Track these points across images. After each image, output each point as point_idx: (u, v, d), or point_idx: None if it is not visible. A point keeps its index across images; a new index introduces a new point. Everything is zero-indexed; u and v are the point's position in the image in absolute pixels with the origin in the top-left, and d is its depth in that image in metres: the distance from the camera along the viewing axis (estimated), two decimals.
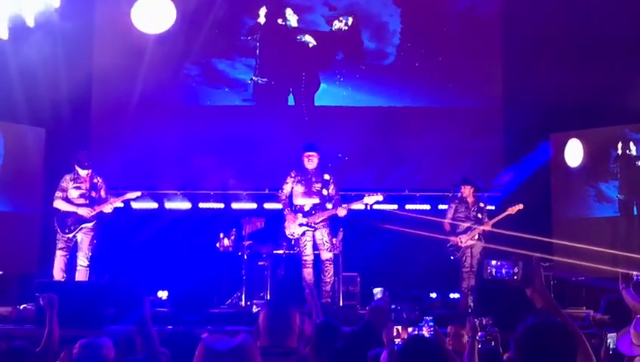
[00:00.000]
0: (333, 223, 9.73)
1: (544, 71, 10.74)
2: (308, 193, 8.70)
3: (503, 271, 3.08)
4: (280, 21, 11.21)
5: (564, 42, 10.66)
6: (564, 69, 10.53)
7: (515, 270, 3.05)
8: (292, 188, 8.75)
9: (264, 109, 11.48)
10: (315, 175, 8.75)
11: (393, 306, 7.82)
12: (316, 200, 8.68)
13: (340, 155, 11.25)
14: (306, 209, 8.68)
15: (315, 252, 8.80)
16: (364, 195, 8.84)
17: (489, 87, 11.51)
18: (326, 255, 8.72)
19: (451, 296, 10.30)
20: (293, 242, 8.94)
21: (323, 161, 8.97)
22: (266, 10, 11.17)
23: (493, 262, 3.07)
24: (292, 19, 11.18)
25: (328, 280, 8.68)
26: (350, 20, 11.20)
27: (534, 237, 8.30)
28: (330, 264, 8.71)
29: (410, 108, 11.54)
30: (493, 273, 3.07)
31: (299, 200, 8.74)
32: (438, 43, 11.50)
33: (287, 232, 8.77)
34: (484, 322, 5.43)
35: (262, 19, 11.21)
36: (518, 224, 9.34)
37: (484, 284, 8.03)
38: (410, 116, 11.47)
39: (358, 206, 8.98)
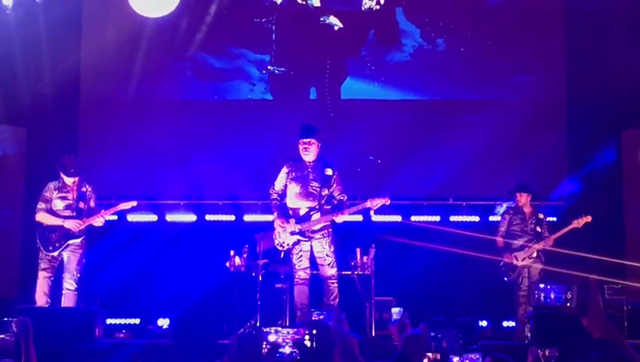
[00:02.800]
0: (364, 238, 9.69)
1: (615, 56, 10.61)
2: (304, 193, 8.29)
3: (552, 295, 3.00)
4: (300, 0, 11.18)
5: (638, 21, 10.52)
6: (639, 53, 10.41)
7: (569, 295, 2.97)
8: (286, 185, 8.38)
9: (282, 104, 11.47)
10: (314, 170, 8.34)
11: (432, 334, 7.82)
12: (314, 203, 8.28)
13: (371, 158, 11.20)
14: (302, 213, 8.28)
15: (314, 272, 8.42)
16: (367, 200, 8.37)
17: (549, 75, 11.38)
18: (329, 271, 8.24)
19: (505, 324, 10.21)
20: (282, 255, 8.48)
21: (326, 151, 8.57)
22: None
23: (542, 286, 2.99)
24: None
25: (332, 301, 8.25)
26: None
27: (603, 258, 8.19)
28: (333, 283, 8.26)
29: (455, 102, 11.46)
30: (542, 298, 2.99)
31: (293, 202, 8.34)
32: (487, 24, 11.41)
33: (275, 242, 8.39)
34: (547, 354, 5.36)
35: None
36: (585, 239, 9.23)
37: (543, 311, 7.95)
38: (454, 111, 11.39)
39: (357, 213, 8.64)
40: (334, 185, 8.36)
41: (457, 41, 11.39)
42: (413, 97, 11.46)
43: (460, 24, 11.40)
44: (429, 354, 6.61)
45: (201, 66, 11.58)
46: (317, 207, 8.27)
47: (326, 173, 8.34)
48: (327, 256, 8.28)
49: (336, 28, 11.18)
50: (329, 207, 8.32)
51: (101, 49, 11.19)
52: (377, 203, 8.33)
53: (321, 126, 10.87)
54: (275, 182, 8.44)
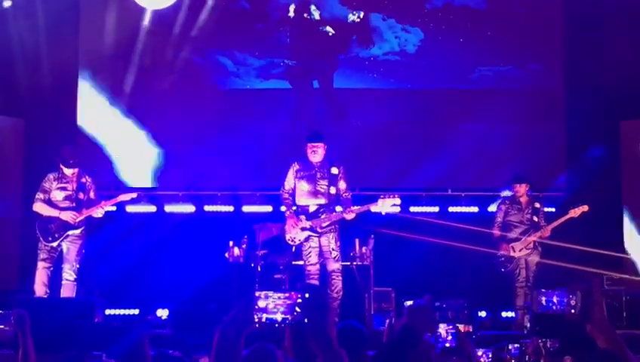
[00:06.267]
0: (364, 229, 9.69)
1: (614, 46, 10.60)
2: (313, 192, 8.62)
3: (555, 299, 2.98)
4: (305, 15, 11.73)
5: (637, 9, 10.50)
6: (638, 42, 10.39)
7: (572, 301, 2.95)
8: (295, 183, 8.67)
9: (281, 95, 11.53)
10: (321, 169, 8.64)
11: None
12: (322, 201, 8.58)
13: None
14: (311, 210, 8.58)
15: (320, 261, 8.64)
16: (379, 197, 8.60)
17: (548, 65, 11.39)
18: (333, 265, 8.54)
19: (504, 314, 10.22)
20: (294, 249, 8.82)
21: (331, 151, 8.80)
22: (294, 7, 11.69)
23: (544, 291, 2.98)
24: (315, 13, 11.78)
25: (336, 295, 8.48)
26: (362, 14, 11.68)
27: (601, 251, 8.18)
28: (338, 276, 8.53)
29: (453, 91, 11.45)
30: (543, 302, 2.98)
31: (302, 200, 8.65)
32: (486, 13, 11.42)
33: (286, 237, 8.66)
34: (548, 345, 5.37)
35: (291, 14, 11.76)
36: (583, 229, 9.24)
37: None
38: (453, 101, 11.39)
39: (368, 209, 8.69)
40: (340, 181, 8.66)
41: (457, 31, 11.39)
42: (410, 86, 11.49)
43: (460, 15, 11.39)
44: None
45: (201, 56, 11.58)
46: (326, 204, 8.58)
47: (332, 172, 8.65)
48: (332, 249, 8.56)
49: (330, 34, 11.77)
50: (338, 206, 8.66)
51: (99, 38, 11.16)
52: (388, 203, 8.55)
53: (319, 115, 11.07)
54: (285, 182, 8.71)
